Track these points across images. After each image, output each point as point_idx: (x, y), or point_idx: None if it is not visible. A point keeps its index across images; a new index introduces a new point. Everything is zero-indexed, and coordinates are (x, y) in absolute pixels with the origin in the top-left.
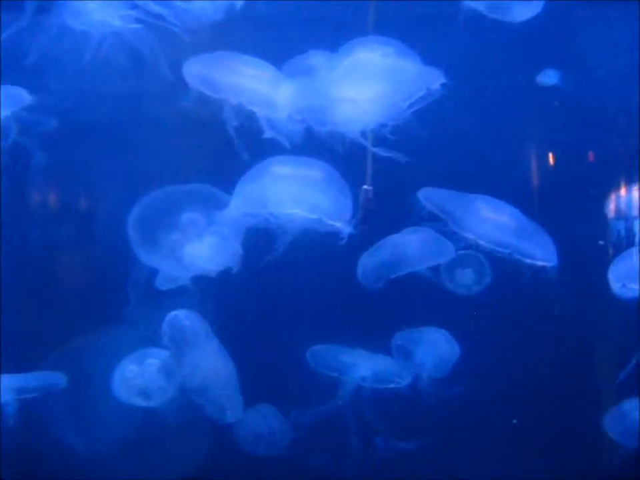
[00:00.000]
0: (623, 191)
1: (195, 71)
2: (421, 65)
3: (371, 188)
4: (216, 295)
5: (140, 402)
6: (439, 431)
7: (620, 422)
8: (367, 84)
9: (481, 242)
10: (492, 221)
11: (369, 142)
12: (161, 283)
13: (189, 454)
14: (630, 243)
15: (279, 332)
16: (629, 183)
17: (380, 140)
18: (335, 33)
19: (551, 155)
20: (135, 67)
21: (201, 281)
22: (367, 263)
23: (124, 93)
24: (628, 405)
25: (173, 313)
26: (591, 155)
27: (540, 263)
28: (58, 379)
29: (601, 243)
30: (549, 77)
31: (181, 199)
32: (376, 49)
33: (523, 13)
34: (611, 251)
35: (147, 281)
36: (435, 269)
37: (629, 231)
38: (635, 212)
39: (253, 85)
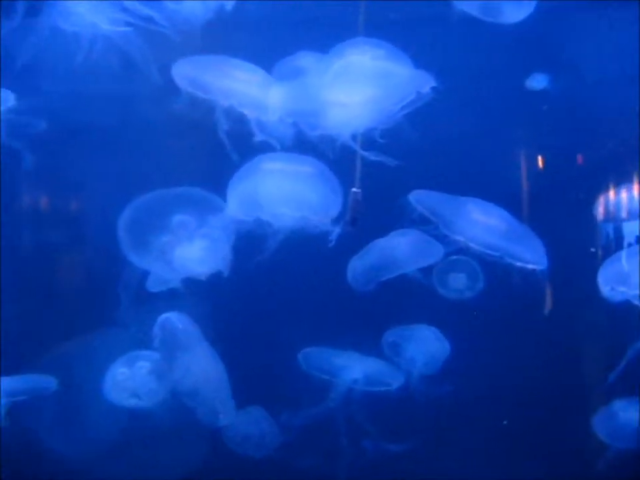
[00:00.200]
0: (611, 194)
1: (184, 72)
2: (412, 68)
3: (359, 190)
4: (207, 298)
5: (131, 404)
6: (429, 432)
7: (609, 423)
8: (358, 88)
9: (472, 245)
10: (482, 223)
11: (359, 145)
12: (152, 285)
13: (179, 456)
14: (619, 246)
15: (269, 334)
16: (618, 185)
17: (370, 143)
18: (326, 34)
19: (540, 158)
20: (126, 68)
21: (191, 283)
22: (357, 266)
23: (115, 94)
24: (617, 406)
25: (165, 316)
26: (579, 158)
27: (530, 266)
28: (48, 381)
29: (593, 250)
30: (537, 81)
31: (171, 202)
32: (366, 51)
33: (514, 15)
34: (600, 254)
35: (138, 283)
36: (425, 271)
37: (618, 233)
38: (623, 214)
39: (243, 88)
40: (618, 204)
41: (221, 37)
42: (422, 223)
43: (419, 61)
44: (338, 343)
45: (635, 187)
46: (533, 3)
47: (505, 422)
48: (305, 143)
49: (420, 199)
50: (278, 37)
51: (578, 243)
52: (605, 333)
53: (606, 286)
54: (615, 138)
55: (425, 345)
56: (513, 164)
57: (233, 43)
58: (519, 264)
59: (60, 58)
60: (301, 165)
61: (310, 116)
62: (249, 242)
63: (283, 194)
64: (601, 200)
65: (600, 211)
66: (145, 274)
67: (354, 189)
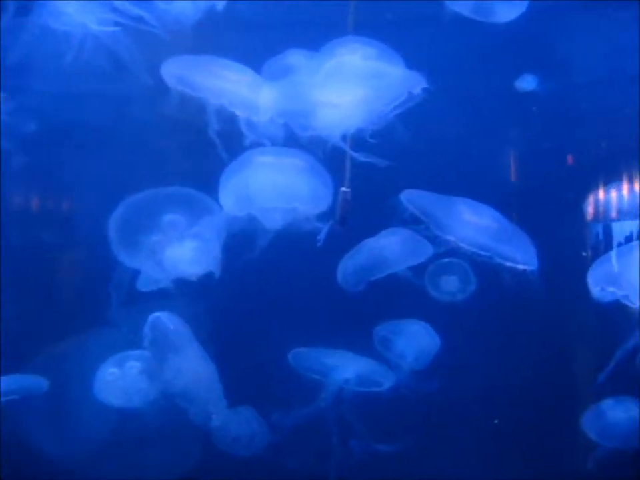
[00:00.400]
0: (601, 194)
1: (173, 71)
2: (403, 68)
3: (349, 190)
4: (197, 297)
5: (121, 404)
6: (420, 432)
7: (597, 422)
8: (349, 88)
9: (462, 245)
10: (473, 224)
11: (348, 145)
12: (142, 285)
13: (170, 456)
14: (608, 245)
15: (260, 334)
16: (607, 185)
17: (360, 143)
18: (317, 34)
19: (530, 158)
20: (117, 68)
21: (182, 283)
22: (347, 266)
23: (105, 94)
24: (605, 405)
25: (155, 315)
26: (569, 159)
27: (520, 266)
28: (39, 382)
29: (584, 254)
30: (527, 83)
31: (162, 201)
32: (357, 50)
33: (506, 15)
34: (590, 254)
35: (129, 283)
36: (415, 269)
37: (607, 233)
38: (613, 214)
39: (233, 88)
40: (607, 204)
41: (211, 37)
42: (413, 222)
43: (410, 61)
44: (329, 343)
45: (624, 186)
46: (525, 3)
47: (495, 421)
48: (296, 143)
49: (411, 198)
50: (269, 36)
51: (568, 243)
52: (594, 333)
53: (596, 286)
54: (604, 138)
55: (415, 340)
56: (504, 164)
57: (223, 42)
58: (509, 264)
59: (50, 57)
60: (292, 158)
61: (301, 116)
62: (239, 241)
63: (274, 186)
64: (591, 200)
65: (589, 210)
66: (136, 274)
67: (343, 189)
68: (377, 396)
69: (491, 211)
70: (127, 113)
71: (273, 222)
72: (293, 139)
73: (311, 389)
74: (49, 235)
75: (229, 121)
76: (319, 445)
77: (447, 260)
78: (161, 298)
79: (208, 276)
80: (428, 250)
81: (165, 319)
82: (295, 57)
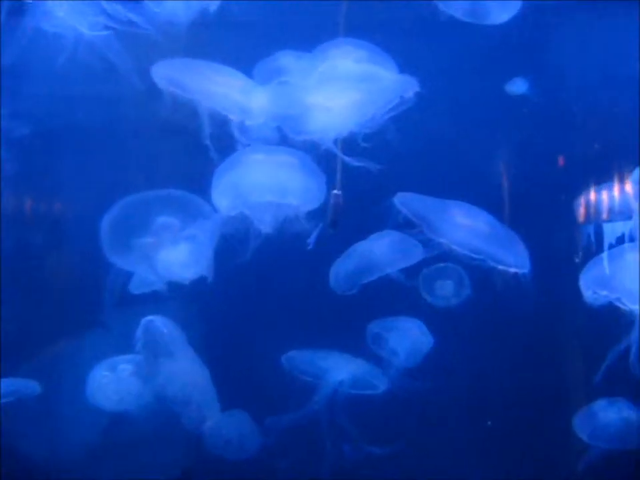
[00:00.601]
0: (592, 195)
1: (164, 73)
2: (396, 71)
3: (340, 192)
4: (189, 300)
5: (114, 407)
6: (411, 434)
7: (589, 423)
8: (342, 92)
9: (455, 248)
10: (466, 227)
11: (339, 148)
12: (135, 287)
13: (162, 459)
14: (600, 247)
15: (253, 337)
16: (598, 186)
17: (352, 147)
18: (310, 36)
19: (522, 160)
20: (109, 71)
21: (174, 286)
22: (339, 271)
23: (98, 96)
24: (597, 406)
25: (148, 319)
26: (561, 160)
27: (512, 269)
28: (31, 385)
29: (577, 259)
30: (517, 86)
31: (155, 203)
32: (349, 53)
33: (500, 17)
34: (581, 255)
35: (121, 286)
36: (406, 271)
37: (599, 234)
38: (604, 215)
39: (225, 92)
40: (599, 205)
41: (203, 39)
42: (406, 226)
43: (401, 64)
44: (323, 345)
45: (615, 187)
46: (519, 4)
47: (488, 423)
48: (288, 147)
49: (405, 201)
50: (261, 38)
51: (560, 244)
52: (586, 334)
53: (588, 290)
54: (596, 140)
55: (407, 337)
56: (495, 167)
57: (215, 44)
58: (501, 267)
59: (43, 60)
60: (284, 155)
61: (294, 120)
62: (231, 245)
63: (267, 181)
64: (582, 201)
65: (581, 212)
66: (129, 276)
67: (334, 191)
68: (369, 398)
69: (484, 214)
70: (119, 115)
71: (266, 221)
72: (286, 142)
73: (304, 391)
74: (41, 238)
75: (222, 124)
76: (312, 447)
77: (441, 265)
78: (154, 301)
79: (200, 279)
80: (419, 252)
81: (159, 323)
82: (287, 59)
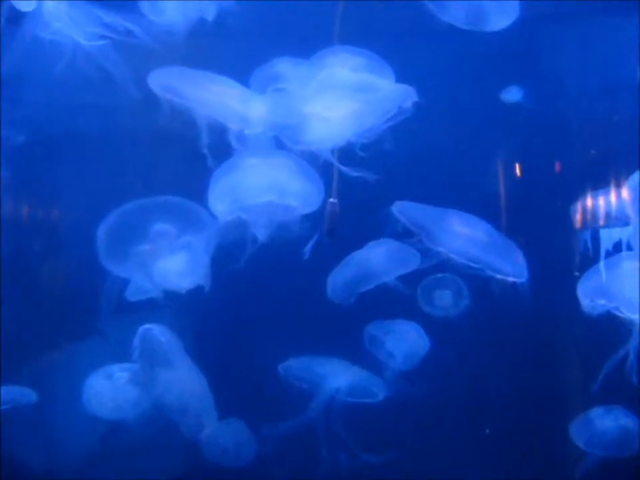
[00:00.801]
0: (589, 201)
1: (161, 81)
2: (392, 80)
3: (336, 201)
4: (186, 309)
5: (110, 415)
6: (407, 441)
7: (586, 430)
8: (340, 102)
9: (453, 256)
10: (465, 235)
11: (336, 157)
12: (131, 294)
13: (159, 467)
14: (596, 253)
15: (250, 345)
16: (595, 193)
17: (350, 156)
18: (307, 45)
19: (519, 168)
20: (107, 79)
21: (171, 295)
22: (336, 280)
23: (95, 104)
24: (594, 413)
25: (146, 327)
26: (557, 167)
27: (510, 279)
28: (28, 393)
29: (577, 274)
30: (512, 95)
31: (151, 210)
32: (347, 60)
33: (498, 23)
34: (579, 264)
35: (118, 293)
36: (404, 278)
37: (596, 240)
38: (601, 221)
39: (222, 101)
40: (596, 211)
41: (201, 48)
42: (405, 235)
43: (397, 72)
44: (320, 353)
45: (612, 193)
46: (517, 10)
47: (486, 431)
48: None
49: (403, 210)
50: (259, 47)
51: (558, 251)
52: (584, 342)
53: (585, 299)
54: (592, 146)
55: (404, 340)
56: (492, 175)
57: (213, 53)
58: (499, 276)
59: (40, 68)
60: (281, 157)
61: (292, 130)
62: (228, 252)
63: (266, 182)
64: (579, 207)
65: (578, 218)
66: (126, 283)
67: (331, 200)
68: (366, 404)
69: (482, 223)
70: (117, 123)
71: (263, 226)
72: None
73: (301, 399)
74: (39, 245)
75: (219, 132)
76: (308, 455)
77: (440, 275)
78: (151, 308)
79: (197, 288)
80: (416, 259)
81: (156, 332)
82: (283, 65)
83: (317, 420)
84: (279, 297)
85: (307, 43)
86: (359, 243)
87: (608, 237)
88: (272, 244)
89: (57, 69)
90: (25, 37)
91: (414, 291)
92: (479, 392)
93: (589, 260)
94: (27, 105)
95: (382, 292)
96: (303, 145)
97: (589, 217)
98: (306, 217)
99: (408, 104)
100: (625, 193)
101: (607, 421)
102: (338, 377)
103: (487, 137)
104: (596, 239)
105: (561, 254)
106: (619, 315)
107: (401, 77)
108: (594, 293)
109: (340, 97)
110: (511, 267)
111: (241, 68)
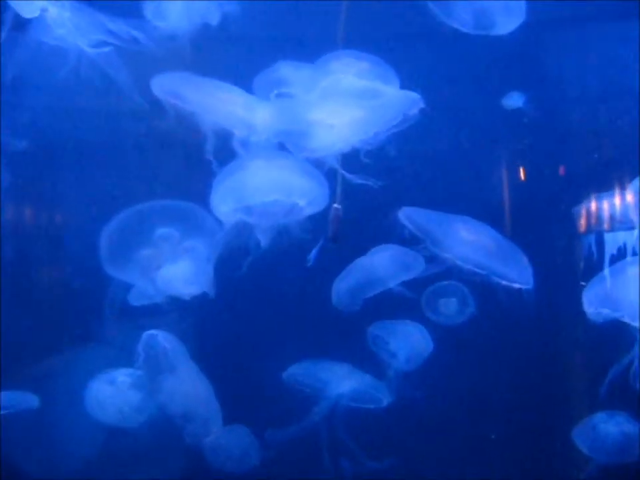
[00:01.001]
0: (593, 205)
1: (164, 86)
2: (397, 84)
3: (340, 207)
4: (190, 314)
5: (114, 421)
6: (411, 447)
7: (590, 435)
8: (345, 109)
9: (459, 263)
10: (471, 242)
11: (339, 163)
12: (135, 299)
13: (162, 472)
14: (601, 257)
15: (253, 351)
16: (599, 196)
17: (354, 162)
18: (311, 51)
19: (524, 173)
20: (110, 84)
21: (175, 300)
22: (340, 287)
23: (99, 109)
24: (597, 419)
25: (150, 333)
26: (561, 171)
27: (516, 285)
28: (30, 398)
29: (583, 284)
30: (514, 100)
31: (155, 215)
32: (351, 65)
33: (505, 26)
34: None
35: (122, 298)
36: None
37: (600, 244)
38: (605, 225)
39: (226, 107)
40: (600, 215)
41: (205, 54)
42: (411, 241)
43: (401, 78)
44: (324, 358)
45: (616, 196)
46: (523, 12)
47: (492, 436)
48: None
49: (409, 216)
50: (263, 52)
51: (562, 255)
52: (588, 349)
53: (590, 307)
54: (596, 149)
55: (408, 340)
56: (497, 180)
57: (217, 59)
58: (505, 283)
59: (44, 73)
60: (285, 158)
61: (296, 136)
62: (232, 258)
63: (272, 180)
64: (583, 211)
65: (582, 222)
66: (129, 288)
67: (335, 205)
68: (369, 410)
69: (488, 229)
70: (120, 129)
71: (266, 229)
72: None
73: (305, 404)
74: (41, 250)
75: (224, 138)
76: (312, 460)
77: (445, 283)
78: (154, 313)
79: (201, 294)
80: (420, 264)
81: (160, 338)
82: (286, 70)
83: (321, 425)
84: (283, 303)
85: (310, 48)
86: (363, 250)
87: (612, 241)
88: (276, 250)
89: (61, 74)
90: (29, 43)
91: (419, 297)
92: (483, 397)
93: (594, 265)
94: (31, 110)
95: (386, 298)
96: (308, 151)
97: (593, 220)
98: (310, 221)
99: (414, 111)
100: (629, 196)
101: (610, 427)
102: (342, 382)
103: (491, 141)
104: (600, 242)
105: (565, 258)
106: (624, 321)
107: (405, 82)
108: (599, 302)
109: (345, 104)
110: (517, 274)
111: (245, 72)
